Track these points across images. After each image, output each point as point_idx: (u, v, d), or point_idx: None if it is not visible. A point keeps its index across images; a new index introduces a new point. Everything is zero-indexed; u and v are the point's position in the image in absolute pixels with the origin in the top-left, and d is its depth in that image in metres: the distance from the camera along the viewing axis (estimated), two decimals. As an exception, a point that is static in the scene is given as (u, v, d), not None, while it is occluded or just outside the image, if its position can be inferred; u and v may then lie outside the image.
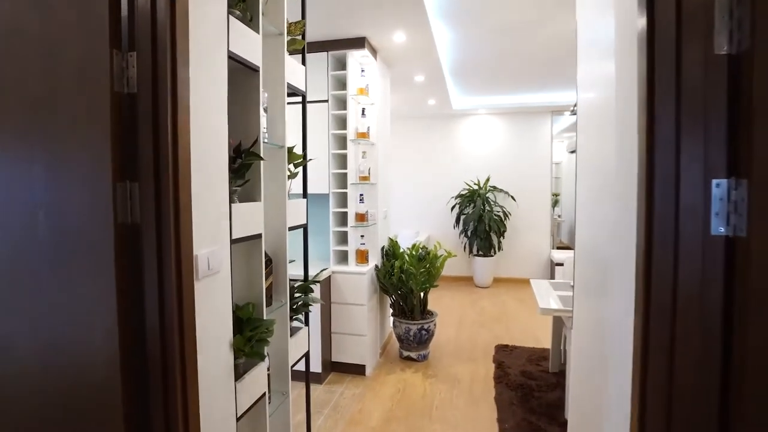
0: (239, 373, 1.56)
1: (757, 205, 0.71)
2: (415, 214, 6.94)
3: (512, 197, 6.52)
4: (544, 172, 6.50)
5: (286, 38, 1.88)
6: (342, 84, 3.32)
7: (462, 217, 6.45)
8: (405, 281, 3.49)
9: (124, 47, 1.17)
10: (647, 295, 0.93)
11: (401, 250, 3.69)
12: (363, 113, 3.37)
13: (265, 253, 1.82)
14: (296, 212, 2.01)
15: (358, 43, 3.14)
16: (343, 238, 3.50)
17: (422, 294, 3.63)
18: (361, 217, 3.41)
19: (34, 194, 1.17)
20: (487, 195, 6.36)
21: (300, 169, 2.10)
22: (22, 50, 1.18)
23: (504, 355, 3.71)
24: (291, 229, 1.96)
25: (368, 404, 2.91)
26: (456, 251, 6.64)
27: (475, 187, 6.49)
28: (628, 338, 1.02)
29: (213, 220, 1.36)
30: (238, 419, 1.49)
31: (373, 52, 3.39)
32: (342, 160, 3.39)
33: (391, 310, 3.73)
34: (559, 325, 3.24)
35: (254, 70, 1.63)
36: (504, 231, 6.30)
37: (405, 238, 6.37)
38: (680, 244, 0.84)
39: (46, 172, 1.17)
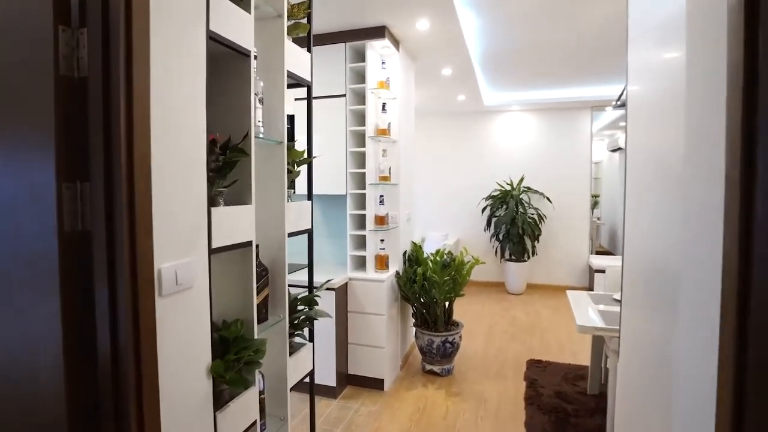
0: (223, 401, 1.36)
1: None
2: (443, 216, 6.65)
3: (548, 199, 6.12)
4: (582, 173, 6.06)
5: (286, 21, 1.67)
6: (361, 77, 3.10)
7: (493, 219, 6.11)
8: (428, 290, 3.24)
9: (74, 23, 0.99)
10: (740, 324, 0.66)
11: (425, 256, 3.44)
12: (383, 108, 3.14)
13: (260, 263, 1.62)
14: (299, 216, 1.80)
15: (378, 32, 2.92)
16: (361, 242, 3.28)
17: (447, 304, 3.36)
18: (380, 220, 3.18)
19: (-38, 197, 1.01)
20: (520, 196, 5.99)
21: (303, 167, 1.88)
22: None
23: (537, 371, 3.39)
24: (292, 235, 1.75)
25: (385, 424, 2.67)
26: (487, 256, 6.31)
27: (508, 188, 6.13)
28: (702, 369, 0.75)
29: (185, 227, 1.16)
30: (217, 456, 1.29)
31: (395, 42, 3.15)
32: (360, 159, 3.17)
33: (413, 320, 3.49)
34: (600, 341, 2.90)
35: (244, 55, 1.43)
36: (539, 235, 5.92)
37: (433, 241, 6.10)
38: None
39: (-23, 171, 1.00)
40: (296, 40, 1.80)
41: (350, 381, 3.15)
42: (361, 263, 3.26)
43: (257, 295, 1.59)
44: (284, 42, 1.64)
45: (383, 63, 3.13)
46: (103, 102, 0.98)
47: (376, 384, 3.08)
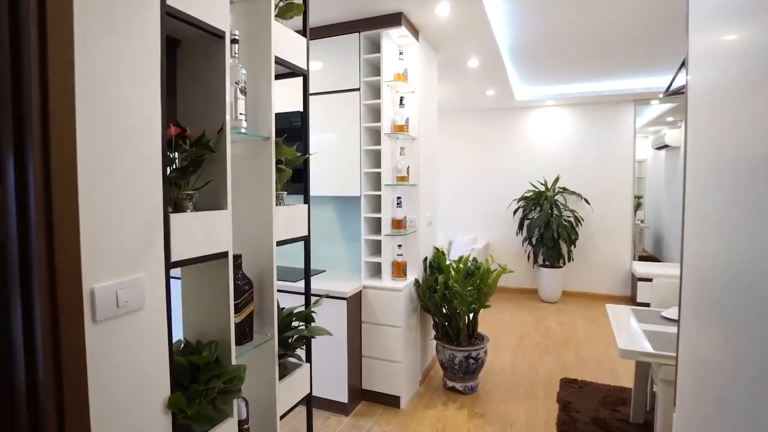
0: (190, 438, 1.17)
1: None
2: (471, 218, 6.33)
3: (586, 200, 5.69)
4: (624, 172, 5.60)
5: (274, 0, 1.47)
6: (376, 69, 2.87)
7: (526, 222, 5.74)
8: (450, 300, 2.97)
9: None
10: None
11: (447, 263, 3.17)
12: (401, 103, 2.90)
13: (243, 276, 1.42)
14: (291, 221, 1.60)
15: (394, 20, 2.68)
16: (376, 247, 3.05)
17: (470, 315, 3.08)
18: (398, 224, 2.94)
19: None
20: (555, 197, 5.59)
21: (293, 169, 1.67)
22: None
23: (571, 392, 3.05)
24: (283, 243, 1.55)
25: (398, 448, 2.44)
26: (518, 261, 5.96)
27: (542, 189, 5.75)
28: None
29: (131, 238, 0.97)
30: None
31: (414, 31, 2.91)
32: (376, 158, 2.94)
33: (433, 332, 3.23)
34: (646, 362, 2.55)
35: (217, 36, 1.23)
36: (575, 239, 5.50)
37: (461, 244, 5.80)
38: None
39: None
40: (286, 21, 1.59)
41: (364, 396, 2.93)
42: (376, 270, 3.03)
43: (239, 312, 1.40)
44: (271, 23, 1.43)
45: (401, 54, 2.89)
46: (12, 83, 0.79)
47: (391, 401, 2.85)
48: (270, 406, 1.52)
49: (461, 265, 3.03)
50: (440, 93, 4.97)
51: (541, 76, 4.74)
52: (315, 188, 2.99)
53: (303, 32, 1.66)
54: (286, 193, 1.59)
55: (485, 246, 5.97)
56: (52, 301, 0.82)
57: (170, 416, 1.08)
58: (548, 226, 5.40)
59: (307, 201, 1.71)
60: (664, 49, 3.66)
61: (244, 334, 1.43)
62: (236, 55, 1.34)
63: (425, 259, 3.26)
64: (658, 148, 7.65)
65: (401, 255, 2.95)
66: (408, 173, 2.96)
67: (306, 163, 1.69)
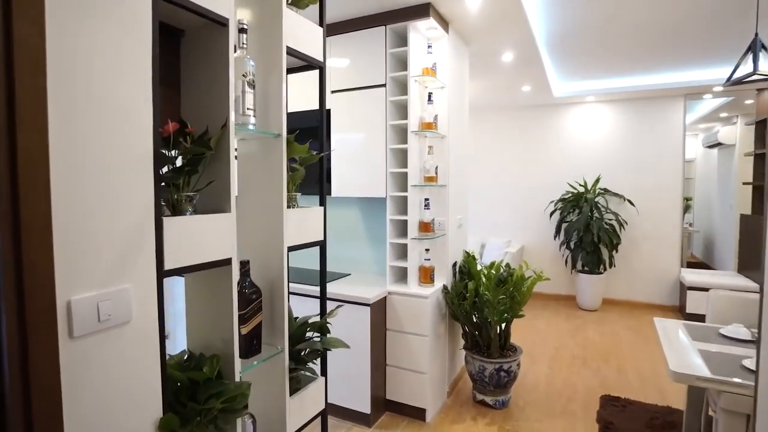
0: (187, 462, 1.08)
1: None
2: (506, 220, 6.08)
3: (629, 202, 5.34)
4: (672, 173, 5.21)
5: (286, -15, 1.36)
6: (403, 64, 2.73)
7: (564, 225, 5.45)
8: (480, 308, 2.79)
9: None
10: None
11: (478, 269, 2.99)
12: (429, 99, 2.74)
13: (251, 284, 1.32)
14: (304, 225, 1.48)
15: (422, 11, 2.53)
16: (402, 251, 2.91)
17: (503, 325, 2.89)
18: (425, 227, 2.79)
19: None
20: (596, 199, 5.28)
21: (306, 168, 1.55)
22: None
23: (613, 412, 2.81)
24: (295, 248, 1.44)
25: (423, 466, 2.29)
26: (555, 265, 5.67)
27: (581, 190, 5.43)
28: None
29: (116, 244, 0.88)
30: None
31: (443, 23, 2.75)
32: (402, 157, 2.81)
33: (462, 342, 3.06)
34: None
35: (220, 24, 1.13)
36: (617, 243, 5.17)
37: (494, 247, 5.58)
38: None
39: None
40: (301, 9, 1.48)
41: (388, 407, 2.80)
42: (402, 275, 2.89)
43: (246, 323, 1.30)
44: (282, 11, 1.32)
45: (429, 47, 2.74)
46: (-25, 73, 0.71)
47: (417, 413, 2.70)
48: (280, 423, 1.42)
49: (493, 272, 2.84)
50: (472, 89, 4.78)
51: (581, 70, 4.47)
52: (338, 189, 2.89)
53: (320, 22, 1.54)
54: (299, 194, 1.48)
55: (520, 249, 5.72)
56: (19, 316, 0.74)
57: (162, 439, 0.99)
58: (588, 229, 5.09)
59: (323, 203, 1.59)
60: (723, 37, 3.34)
61: (252, 346, 1.33)
62: (244, 46, 1.24)
63: (454, 264, 3.09)
64: (710, 147, 7.12)
65: (429, 260, 2.80)
66: (437, 173, 2.80)
67: (322, 162, 1.57)
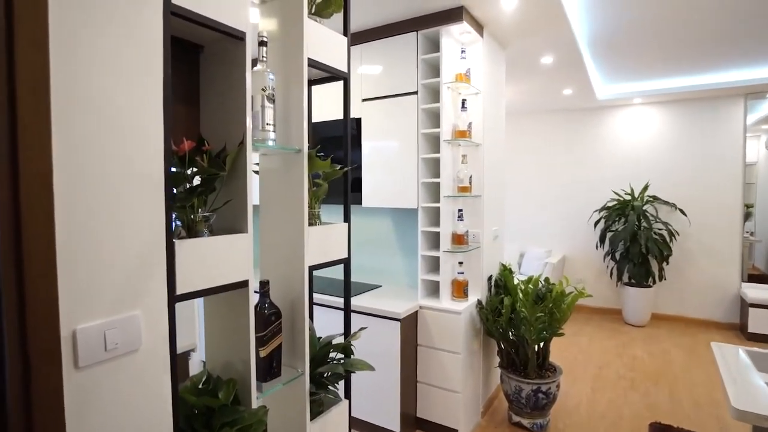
0: (200, 493, 1.03)
1: None
2: (546, 229, 5.83)
3: (681, 211, 4.99)
4: (731, 178, 4.83)
5: (308, -6, 1.31)
6: (435, 70, 2.65)
7: (608, 234, 5.16)
8: (517, 326, 2.65)
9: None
10: None
11: (515, 283, 2.85)
12: (463, 105, 2.64)
13: (271, 304, 1.28)
14: (326, 243, 1.42)
15: (455, 15, 2.44)
16: (434, 264, 2.81)
17: (541, 343, 2.73)
18: (459, 239, 2.68)
19: None
20: (644, 207, 4.96)
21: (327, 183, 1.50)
22: None
23: (665, 441, 2.58)
24: (318, 267, 1.38)
25: (454, 492, 2.17)
26: (600, 278, 5.39)
27: (628, 198, 5.13)
28: None
29: (124, 269, 0.85)
30: None
31: (478, 26, 2.64)
32: (435, 167, 2.71)
33: (498, 359, 2.91)
34: None
35: (237, 38, 1.09)
36: (668, 255, 4.83)
37: (533, 257, 5.37)
38: None
39: None
40: (324, 19, 1.43)
41: (419, 425, 2.70)
42: (434, 289, 2.79)
43: (265, 345, 1.25)
44: (303, 21, 1.28)
45: (462, 52, 2.64)
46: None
47: (449, 434, 2.59)
48: (300, 450, 1.36)
49: (530, 287, 2.69)
50: (509, 93, 4.62)
51: (626, 71, 4.22)
52: (369, 199, 2.83)
53: (344, 31, 1.49)
54: (320, 208, 1.43)
55: (561, 260, 5.47)
56: (22, 348, 0.71)
57: (173, 471, 0.95)
58: (635, 239, 4.79)
59: (347, 219, 1.53)
60: (788, 32, 3.04)
61: (271, 369, 1.28)
62: (264, 59, 1.20)
63: (490, 278, 2.96)
64: (775, 149, 6.56)
65: (462, 273, 2.68)
66: (471, 183, 2.69)
67: (347, 176, 1.51)
